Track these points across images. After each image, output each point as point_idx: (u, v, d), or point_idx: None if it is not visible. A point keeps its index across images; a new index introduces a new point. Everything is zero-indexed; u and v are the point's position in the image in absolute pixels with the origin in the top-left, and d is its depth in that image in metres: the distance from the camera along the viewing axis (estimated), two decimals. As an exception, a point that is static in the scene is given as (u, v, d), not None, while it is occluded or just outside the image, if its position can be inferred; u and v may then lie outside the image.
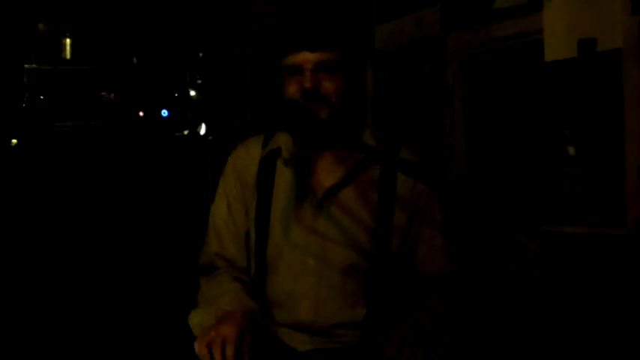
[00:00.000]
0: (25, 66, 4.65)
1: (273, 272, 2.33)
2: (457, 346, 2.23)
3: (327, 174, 2.31)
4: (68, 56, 4.86)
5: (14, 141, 4.58)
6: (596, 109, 2.72)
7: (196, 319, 2.31)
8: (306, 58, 2.23)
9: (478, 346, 2.88)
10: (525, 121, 2.98)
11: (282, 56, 2.27)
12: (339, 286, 2.27)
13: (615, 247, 2.65)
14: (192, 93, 4.93)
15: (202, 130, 4.99)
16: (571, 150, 2.80)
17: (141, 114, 4.76)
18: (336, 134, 2.20)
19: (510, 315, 2.95)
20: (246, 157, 2.43)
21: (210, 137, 4.90)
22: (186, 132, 4.85)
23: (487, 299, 2.96)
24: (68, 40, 4.84)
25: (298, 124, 2.16)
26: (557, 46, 2.78)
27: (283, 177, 2.35)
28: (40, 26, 4.90)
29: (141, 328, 4.21)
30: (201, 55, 5.24)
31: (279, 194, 2.34)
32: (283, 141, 2.36)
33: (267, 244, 2.32)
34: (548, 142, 2.88)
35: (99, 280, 4.41)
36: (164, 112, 4.81)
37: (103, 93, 4.73)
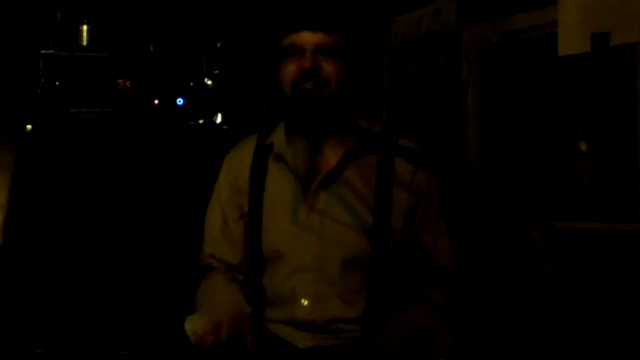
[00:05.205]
0: (42, 51, 4.66)
1: (271, 269, 2.32)
2: (457, 341, 2.21)
3: (325, 160, 2.30)
4: (85, 43, 4.86)
5: (29, 127, 4.59)
6: (610, 104, 2.70)
7: (191, 327, 2.30)
8: (307, 39, 2.22)
9: (486, 341, 2.87)
10: (538, 115, 2.96)
11: (284, 36, 2.26)
12: (339, 281, 2.24)
13: (626, 243, 2.64)
14: (209, 82, 4.93)
15: (218, 120, 4.99)
16: (583, 146, 2.78)
17: (156, 102, 4.76)
18: (337, 119, 2.19)
19: (521, 309, 2.94)
20: (238, 162, 2.42)
21: (225, 127, 4.90)
22: (201, 121, 4.84)
23: (497, 292, 2.95)
24: (85, 27, 4.85)
25: (305, 108, 2.15)
26: (571, 40, 2.75)
27: (276, 172, 2.34)
28: (58, 12, 4.91)
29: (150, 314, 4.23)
30: (218, 44, 5.24)
31: (273, 191, 2.33)
32: (276, 137, 2.35)
33: (262, 240, 2.31)
34: (561, 137, 2.86)
35: (110, 269, 4.43)
36: (180, 101, 4.80)
37: (119, 80, 4.73)
